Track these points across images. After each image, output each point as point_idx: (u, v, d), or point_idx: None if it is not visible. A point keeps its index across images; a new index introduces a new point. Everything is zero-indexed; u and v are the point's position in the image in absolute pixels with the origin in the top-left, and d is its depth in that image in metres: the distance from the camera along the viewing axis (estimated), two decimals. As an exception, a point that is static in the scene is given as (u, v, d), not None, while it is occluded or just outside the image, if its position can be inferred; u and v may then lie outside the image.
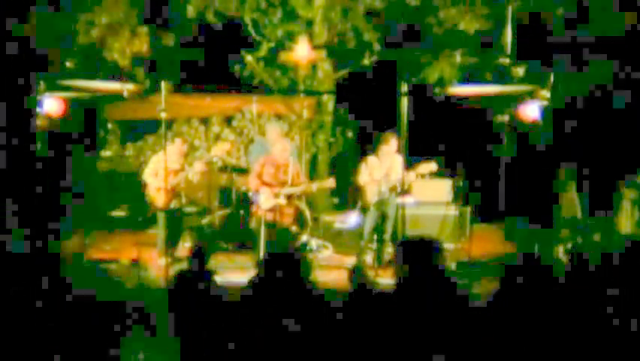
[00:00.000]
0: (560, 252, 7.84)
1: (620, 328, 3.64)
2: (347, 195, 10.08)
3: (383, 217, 8.31)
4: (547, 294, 3.72)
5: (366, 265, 8.05)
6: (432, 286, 3.61)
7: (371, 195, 8.25)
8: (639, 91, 8.77)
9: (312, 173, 11.30)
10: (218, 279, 5.42)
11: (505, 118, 8.95)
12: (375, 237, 8.43)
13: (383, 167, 8.27)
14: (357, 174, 8.40)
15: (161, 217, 8.42)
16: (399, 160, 8.22)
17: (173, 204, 8.44)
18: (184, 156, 8.55)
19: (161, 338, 5.05)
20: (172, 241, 8.40)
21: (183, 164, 8.44)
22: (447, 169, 9.19)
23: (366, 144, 9.31)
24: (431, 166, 8.07)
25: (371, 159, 8.37)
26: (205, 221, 9.23)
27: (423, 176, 8.29)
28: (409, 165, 8.02)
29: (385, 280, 7.65)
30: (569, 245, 7.94)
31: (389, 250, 8.55)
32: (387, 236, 8.33)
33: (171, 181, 8.14)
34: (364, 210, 8.39)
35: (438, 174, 9.28)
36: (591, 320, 3.68)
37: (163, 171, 7.93)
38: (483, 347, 3.55)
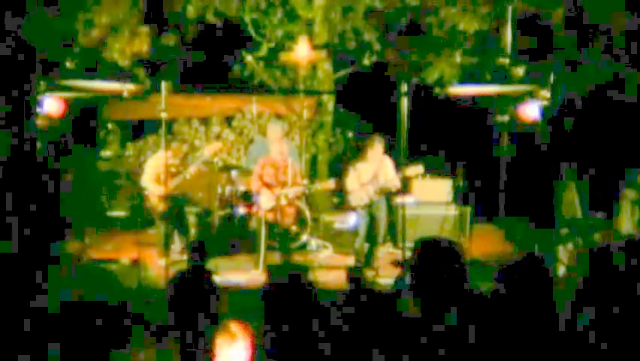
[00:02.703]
0: (560, 252, 7.84)
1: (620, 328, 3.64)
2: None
3: (373, 220, 8.19)
4: (549, 294, 3.72)
5: (364, 266, 8.04)
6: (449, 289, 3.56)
7: (358, 199, 8.13)
8: (639, 91, 8.76)
9: (312, 173, 11.29)
10: (218, 279, 5.43)
11: (505, 118, 8.95)
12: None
13: (370, 170, 8.15)
14: (345, 178, 8.25)
15: (161, 219, 8.41)
16: (388, 162, 8.15)
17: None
18: (182, 157, 8.53)
19: (161, 337, 5.06)
20: (172, 241, 8.40)
21: (179, 166, 8.40)
22: (447, 170, 9.22)
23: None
24: (418, 169, 7.95)
25: (359, 165, 8.22)
26: (205, 221, 9.22)
27: (410, 178, 8.23)
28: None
29: (384, 280, 7.68)
30: (570, 245, 7.93)
31: (383, 250, 8.56)
32: (379, 238, 8.29)
33: (169, 183, 8.10)
34: (356, 212, 8.29)
35: (438, 174, 9.32)
36: (593, 320, 3.68)
37: (163, 175, 7.89)
38: (485, 346, 3.55)
